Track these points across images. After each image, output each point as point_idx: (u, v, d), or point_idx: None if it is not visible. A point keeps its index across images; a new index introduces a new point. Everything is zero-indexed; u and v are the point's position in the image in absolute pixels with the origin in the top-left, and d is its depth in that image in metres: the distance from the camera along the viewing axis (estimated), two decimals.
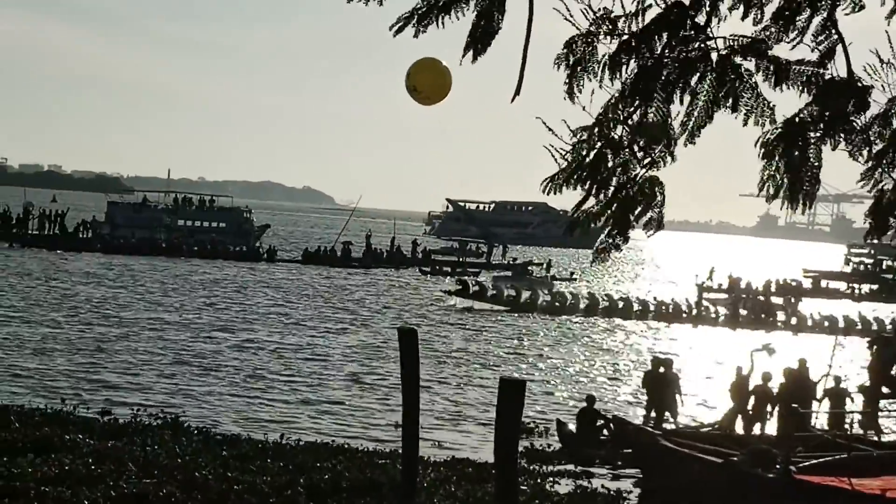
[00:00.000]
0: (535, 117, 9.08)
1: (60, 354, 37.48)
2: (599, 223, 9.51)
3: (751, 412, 27.77)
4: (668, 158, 9.35)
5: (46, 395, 29.56)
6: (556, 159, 9.31)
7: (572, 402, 34.07)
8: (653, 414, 29.01)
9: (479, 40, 8.73)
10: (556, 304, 67.84)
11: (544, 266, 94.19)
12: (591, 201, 9.43)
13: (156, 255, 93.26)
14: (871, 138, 9.32)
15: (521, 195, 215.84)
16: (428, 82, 9.28)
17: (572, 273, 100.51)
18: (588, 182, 9.25)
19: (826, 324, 66.19)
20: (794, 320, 67.56)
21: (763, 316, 67.89)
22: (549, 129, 9.16)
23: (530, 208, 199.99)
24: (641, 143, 9.12)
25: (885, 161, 9.51)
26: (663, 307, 67.57)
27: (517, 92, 8.72)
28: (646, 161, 9.23)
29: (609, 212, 9.37)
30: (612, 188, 9.35)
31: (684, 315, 67.32)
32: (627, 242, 9.66)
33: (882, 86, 9.21)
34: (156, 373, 35.12)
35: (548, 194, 9.49)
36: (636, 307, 67.78)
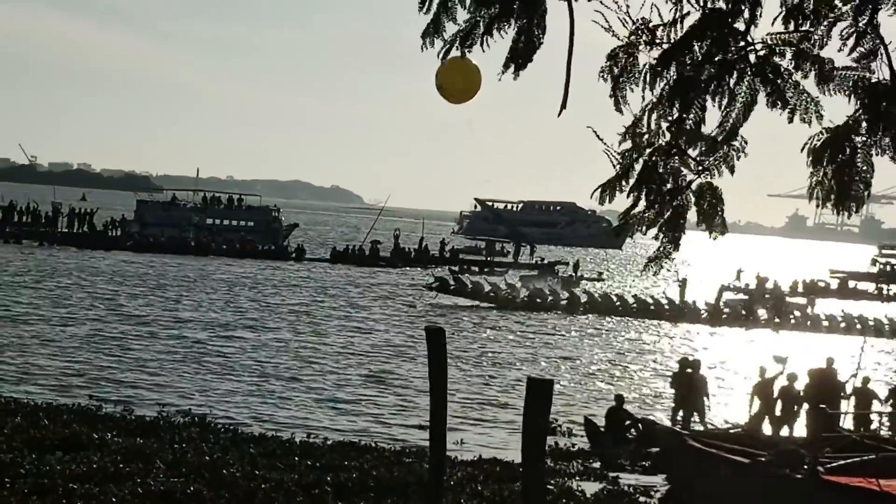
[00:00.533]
0: (587, 126, 9.12)
1: (84, 353, 37.65)
2: (650, 231, 9.50)
3: (778, 413, 27.68)
4: (724, 167, 9.32)
5: (71, 394, 29.71)
6: (614, 165, 9.32)
7: (596, 403, 34.10)
8: (680, 415, 28.93)
9: (520, 56, 8.72)
10: (555, 301, 68.01)
11: (571, 266, 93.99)
12: (641, 206, 9.41)
13: (184, 254, 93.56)
14: None
15: (550, 195, 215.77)
16: (456, 81, 9.30)
17: (601, 273, 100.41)
18: (640, 189, 9.23)
19: (845, 325, 66.05)
20: (808, 322, 67.44)
21: (777, 318, 67.62)
22: (600, 139, 9.22)
23: (558, 208, 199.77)
24: (689, 148, 9.10)
25: None
26: (685, 309, 67.59)
27: (563, 106, 8.72)
28: (700, 167, 9.21)
29: (661, 219, 9.34)
30: (665, 195, 9.33)
31: (702, 316, 67.30)
32: (678, 250, 9.64)
33: None
34: (181, 372, 35.25)
35: (602, 203, 9.53)
36: (651, 307, 67.90)
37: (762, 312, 68.26)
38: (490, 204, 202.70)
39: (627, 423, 27.71)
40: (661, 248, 9.73)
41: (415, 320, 55.45)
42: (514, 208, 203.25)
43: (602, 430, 27.77)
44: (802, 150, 9.30)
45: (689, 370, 29.48)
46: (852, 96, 9.03)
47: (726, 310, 68.87)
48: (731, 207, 9.27)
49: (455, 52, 8.99)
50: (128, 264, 79.78)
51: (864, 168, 9.29)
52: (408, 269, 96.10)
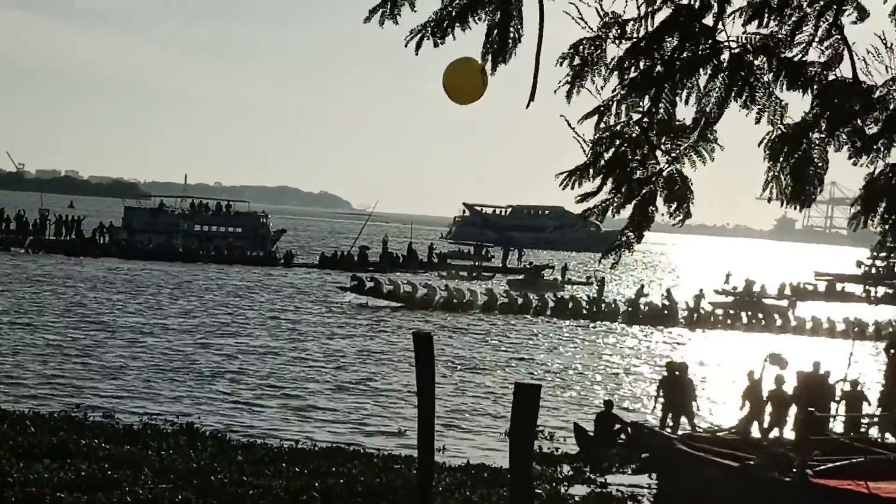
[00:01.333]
0: (560, 115, 9.09)
1: (68, 360, 37.52)
2: (617, 216, 9.52)
3: (767, 416, 27.69)
4: (695, 157, 9.39)
5: (54, 403, 29.62)
6: (584, 151, 9.34)
7: (580, 407, 34.16)
8: (669, 419, 28.93)
9: (496, 52, 8.67)
10: (505, 302, 68.18)
11: (559, 270, 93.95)
12: (603, 195, 9.44)
13: (173, 261, 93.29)
14: (867, 128, 9.34)
15: (539, 199, 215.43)
16: (460, 81, 9.22)
17: (588, 277, 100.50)
18: (607, 176, 9.27)
19: (828, 327, 66.12)
20: (792, 323, 67.55)
21: (762, 320, 67.70)
22: (572, 128, 9.21)
23: (547, 213, 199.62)
24: (658, 138, 9.14)
25: (876, 146, 9.48)
26: (665, 311, 67.71)
27: (531, 98, 8.72)
28: (669, 157, 9.26)
29: (628, 205, 9.38)
30: (633, 180, 9.36)
31: (683, 319, 67.41)
32: (641, 241, 9.67)
33: (886, 68, 9.20)
34: (164, 379, 35.16)
35: (564, 188, 9.50)
36: (624, 309, 67.93)
37: (746, 316, 68.18)
38: (479, 208, 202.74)
39: (617, 427, 27.73)
40: (624, 238, 9.72)
41: (377, 325, 55.38)
42: (503, 212, 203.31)
43: (591, 434, 27.79)
44: (759, 144, 9.37)
45: (677, 373, 29.46)
46: (809, 92, 9.11)
47: (714, 311, 68.85)
48: (720, 211, 9.33)
49: (427, 42, 8.91)
50: (114, 272, 79.59)
51: (820, 164, 9.40)
52: (396, 273, 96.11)
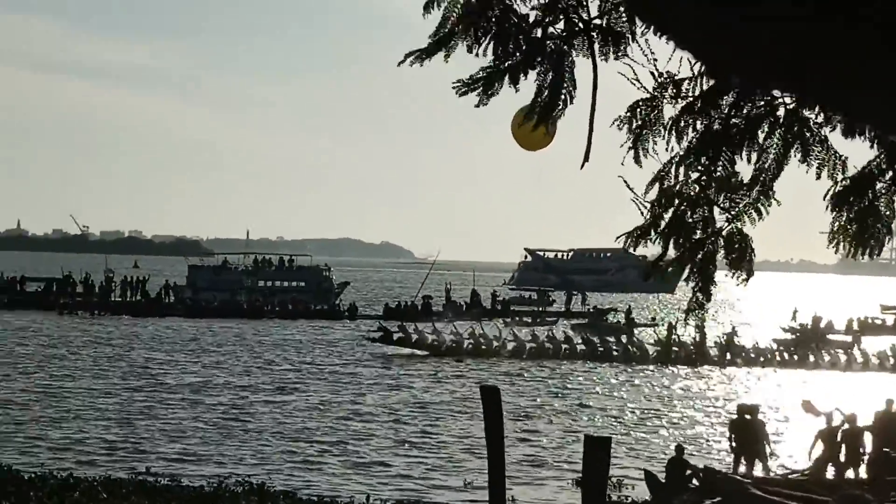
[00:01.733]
0: (618, 176, 9.07)
1: (133, 422, 37.79)
2: (683, 276, 9.48)
3: (841, 457, 27.33)
4: (754, 214, 9.32)
5: (123, 466, 29.76)
6: (642, 213, 9.31)
7: (650, 453, 33.92)
8: (741, 463, 28.62)
9: (544, 111, 8.58)
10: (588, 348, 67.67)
11: (623, 313, 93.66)
12: (670, 253, 9.41)
13: (237, 318, 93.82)
14: None
15: (601, 241, 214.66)
16: (527, 128, 9.11)
17: (653, 318, 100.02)
18: (668, 238, 9.24)
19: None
20: (858, 359, 66.60)
21: (827, 357, 66.83)
22: (630, 189, 9.19)
23: (608, 255, 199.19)
24: (718, 197, 9.09)
25: None
26: (730, 351, 66.93)
27: (586, 158, 8.68)
28: (729, 215, 9.20)
29: (691, 267, 9.33)
30: (693, 242, 9.31)
31: (752, 358, 66.57)
32: (710, 301, 9.60)
33: None
34: (227, 438, 35.31)
35: (627, 251, 9.53)
36: (688, 350, 66.92)
37: (812, 353, 67.35)
38: (540, 253, 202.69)
39: (688, 472, 27.46)
40: (694, 300, 9.70)
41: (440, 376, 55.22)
42: (565, 256, 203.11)
43: (662, 480, 27.53)
44: (825, 197, 9.31)
45: (748, 416, 29.14)
46: (873, 144, 9.02)
47: (778, 349, 68.10)
48: (783, 246, 9.27)
49: (474, 97, 8.80)
50: (178, 331, 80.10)
51: (888, 213, 9.31)
52: (460, 322, 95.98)
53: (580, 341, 68.91)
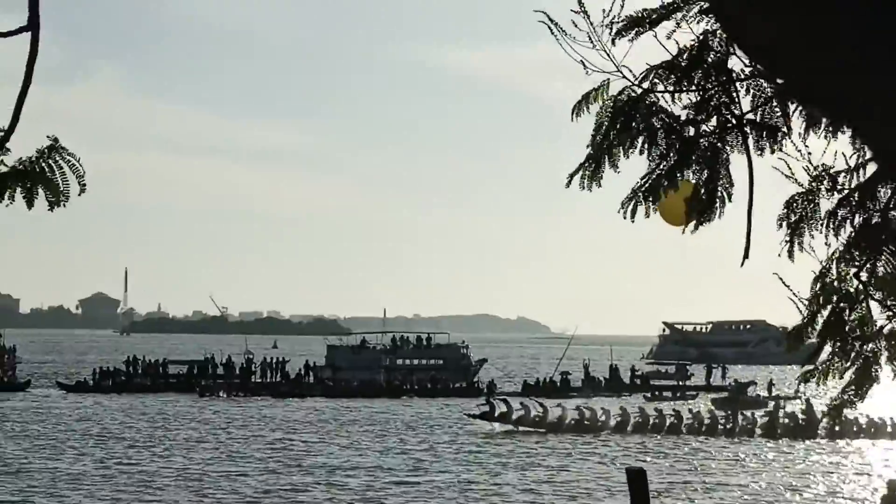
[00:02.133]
0: (773, 273, 8.99)
1: None
2: (838, 378, 9.26)
3: None
4: None
5: None
6: (800, 311, 9.16)
7: None
8: None
9: (703, 210, 8.47)
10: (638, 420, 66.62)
11: (765, 386, 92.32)
12: (825, 354, 9.21)
13: (377, 397, 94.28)
14: None
15: (740, 313, 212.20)
16: (676, 204, 8.98)
17: (796, 391, 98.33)
18: (825, 338, 9.06)
19: None
20: None
21: None
22: (786, 286, 9.08)
23: (748, 327, 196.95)
24: (878, 295, 8.92)
25: None
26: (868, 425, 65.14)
27: (745, 255, 8.60)
28: (890, 313, 9.01)
29: (849, 369, 9.13)
30: (853, 343, 9.11)
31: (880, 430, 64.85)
32: (864, 401, 9.37)
33: None
34: None
35: (789, 351, 9.39)
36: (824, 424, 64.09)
37: None
38: (679, 327, 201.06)
39: None
40: (846, 398, 9.37)
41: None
42: (704, 329, 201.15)
43: None
44: None
45: None
46: None
47: None
48: None
49: (639, 207, 8.70)
50: (318, 412, 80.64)
51: None
52: (600, 397, 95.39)
53: (721, 416, 67.94)
